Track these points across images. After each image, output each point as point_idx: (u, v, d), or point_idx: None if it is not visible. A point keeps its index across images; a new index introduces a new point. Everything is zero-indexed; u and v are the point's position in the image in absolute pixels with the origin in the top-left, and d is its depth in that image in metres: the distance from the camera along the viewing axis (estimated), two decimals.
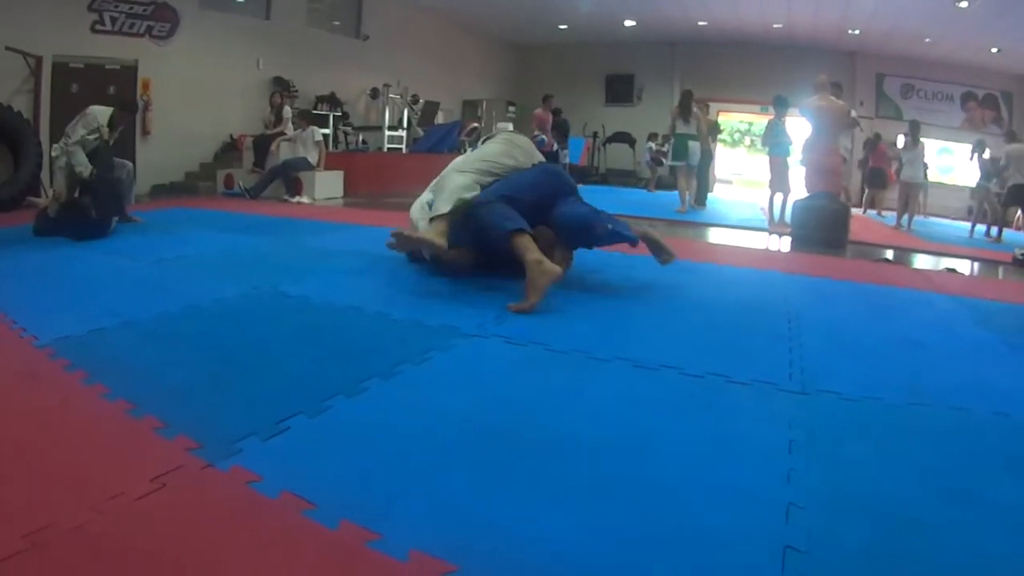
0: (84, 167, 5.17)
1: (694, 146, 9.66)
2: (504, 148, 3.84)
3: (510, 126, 10.49)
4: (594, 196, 4.27)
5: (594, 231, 3.46)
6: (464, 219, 3.47)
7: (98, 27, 8.89)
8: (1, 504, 1.33)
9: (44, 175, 7.51)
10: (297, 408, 1.84)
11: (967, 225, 10.49)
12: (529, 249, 3.13)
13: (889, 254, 6.76)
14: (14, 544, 1.18)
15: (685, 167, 9.74)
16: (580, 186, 3.96)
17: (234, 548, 1.23)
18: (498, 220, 3.29)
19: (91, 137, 5.30)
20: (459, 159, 4.00)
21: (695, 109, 9.80)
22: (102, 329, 2.60)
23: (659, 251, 3.64)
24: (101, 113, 5.41)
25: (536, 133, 10.60)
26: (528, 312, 2.97)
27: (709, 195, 11.57)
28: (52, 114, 8.31)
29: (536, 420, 1.87)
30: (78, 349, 2.34)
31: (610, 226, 3.43)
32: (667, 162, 10.00)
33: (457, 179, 3.57)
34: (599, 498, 1.45)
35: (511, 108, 17.25)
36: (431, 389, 2.10)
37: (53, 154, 5.38)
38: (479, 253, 3.71)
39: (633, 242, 3.49)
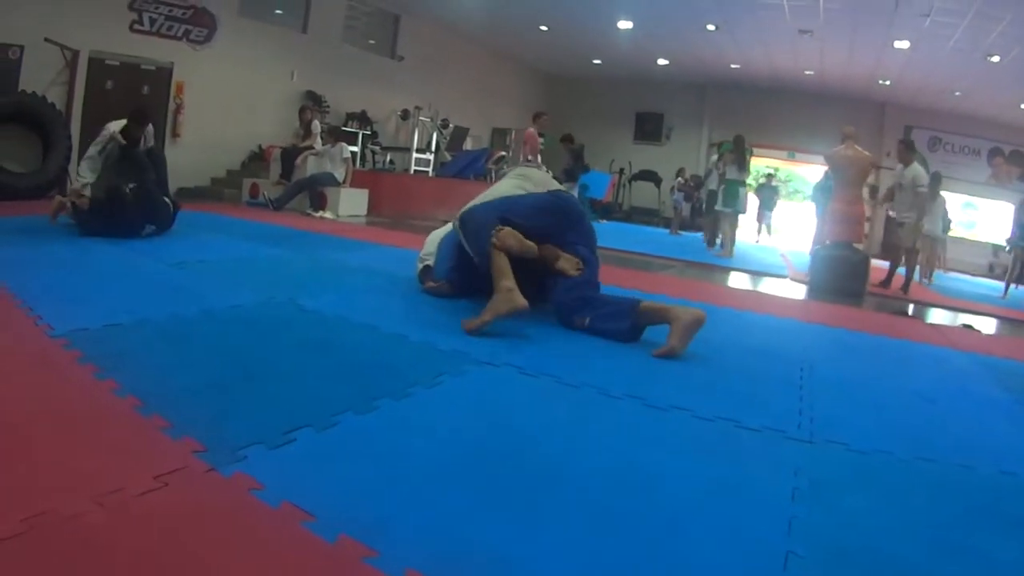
0: (82, 178, 5.14)
1: (744, 193, 9.68)
2: (514, 182, 3.74)
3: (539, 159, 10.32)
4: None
5: (571, 323, 3.32)
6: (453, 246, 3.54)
7: (136, 27, 9.08)
8: (2, 487, 1.34)
9: (72, 168, 7.63)
10: (305, 420, 1.84)
11: (988, 282, 10.35)
12: (505, 275, 3.09)
13: (906, 307, 6.71)
14: (12, 527, 1.18)
15: (732, 214, 9.74)
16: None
17: (230, 553, 1.22)
18: (476, 234, 3.29)
19: (109, 146, 5.25)
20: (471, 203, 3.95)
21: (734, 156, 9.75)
22: (118, 325, 2.62)
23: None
24: (114, 124, 5.36)
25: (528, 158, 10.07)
26: (474, 331, 2.97)
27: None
28: (85, 109, 8.47)
29: (542, 450, 1.86)
30: (92, 342, 2.35)
31: (587, 320, 3.27)
32: (717, 207, 9.91)
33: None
34: (598, 531, 1.44)
35: (540, 139, 17.43)
36: (440, 412, 2.10)
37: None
38: (459, 286, 3.75)
39: (623, 338, 3.22)
